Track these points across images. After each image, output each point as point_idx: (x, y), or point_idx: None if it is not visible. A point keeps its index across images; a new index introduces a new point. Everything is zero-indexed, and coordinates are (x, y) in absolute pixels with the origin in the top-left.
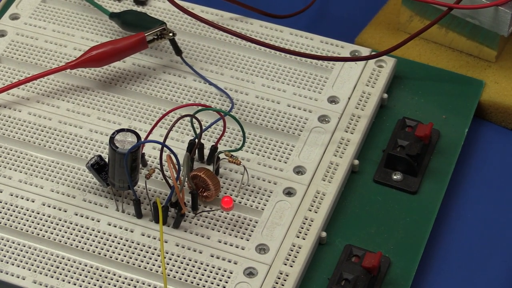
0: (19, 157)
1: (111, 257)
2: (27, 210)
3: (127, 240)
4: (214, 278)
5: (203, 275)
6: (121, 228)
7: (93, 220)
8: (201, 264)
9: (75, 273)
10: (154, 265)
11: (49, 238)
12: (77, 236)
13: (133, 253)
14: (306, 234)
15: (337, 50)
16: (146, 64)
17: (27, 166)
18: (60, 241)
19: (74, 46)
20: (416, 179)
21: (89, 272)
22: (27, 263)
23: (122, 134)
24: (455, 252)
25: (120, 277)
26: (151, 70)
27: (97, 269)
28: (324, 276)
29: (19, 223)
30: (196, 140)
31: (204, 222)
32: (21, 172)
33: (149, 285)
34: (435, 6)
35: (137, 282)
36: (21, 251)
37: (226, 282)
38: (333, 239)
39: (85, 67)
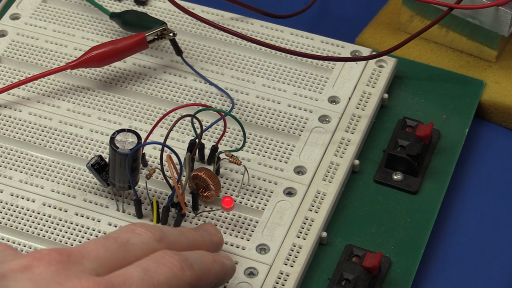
0: (19, 157)
1: None
2: (28, 210)
3: None
4: None
5: None
6: None
7: (93, 220)
8: None
9: None
10: None
11: (50, 238)
12: (77, 236)
13: None
14: (306, 234)
15: (338, 50)
16: (146, 64)
17: (28, 166)
18: (61, 241)
19: (75, 46)
20: (416, 179)
21: None
22: None
23: (122, 134)
24: (456, 252)
25: None
26: (151, 70)
27: None
28: (324, 276)
29: (20, 223)
30: (197, 140)
31: (204, 222)
32: (21, 172)
33: None
34: (436, 6)
35: None
36: (22, 251)
37: (227, 282)
38: (334, 239)
39: (86, 67)
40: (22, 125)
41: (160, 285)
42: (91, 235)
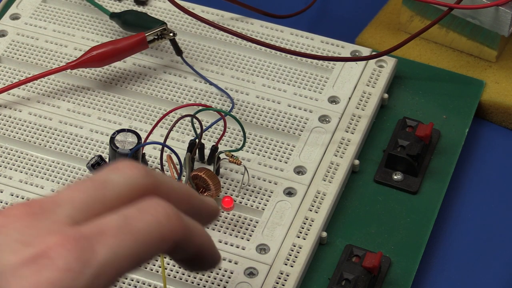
0: (19, 157)
1: None
2: None
3: None
4: (215, 278)
5: (203, 275)
6: None
7: None
8: None
9: None
10: (154, 265)
11: None
12: None
13: None
14: (306, 234)
15: (338, 50)
16: (146, 64)
17: (28, 166)
18: None
19: (75, 46)
20: (416, 179)
21: None
22: None
23: (122, 134)
24: (456, 252)
25: None
26: (151, 70)
27: None
28: (324, 276)
29: None
30: (197, 140)
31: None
32: (21, 172)
33: (150, 285)
34: (436, 6)
35: (138, 282)
36: None
37: (227, 282)
38: (334, 239)
39: (86, 67)
40: (22, 125)
41: (138, 233)
42: None
